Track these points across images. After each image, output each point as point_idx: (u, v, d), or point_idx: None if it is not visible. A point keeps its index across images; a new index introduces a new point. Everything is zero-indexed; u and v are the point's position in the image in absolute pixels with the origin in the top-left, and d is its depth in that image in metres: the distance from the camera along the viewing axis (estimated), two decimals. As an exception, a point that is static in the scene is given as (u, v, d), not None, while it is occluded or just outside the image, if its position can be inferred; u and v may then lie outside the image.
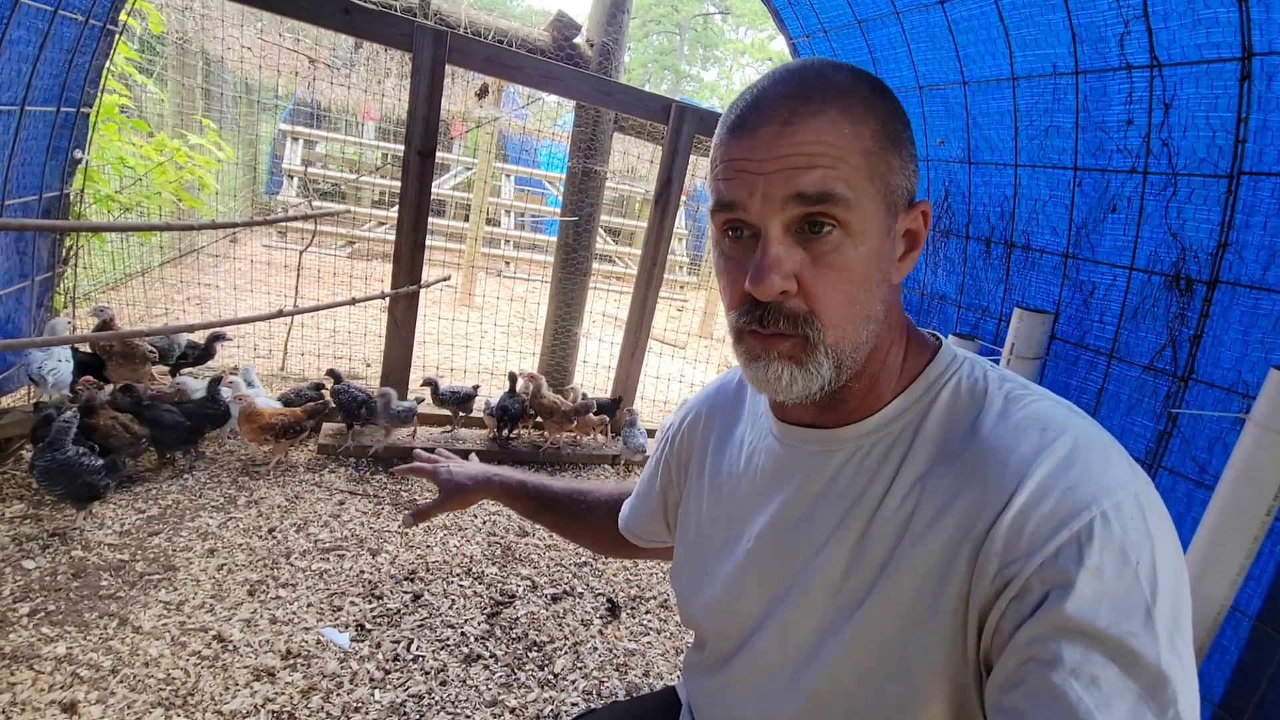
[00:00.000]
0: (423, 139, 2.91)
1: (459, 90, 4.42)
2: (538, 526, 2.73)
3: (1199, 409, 1.88)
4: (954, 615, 0.57)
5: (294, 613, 1.96)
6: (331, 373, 3.10)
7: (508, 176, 9.24)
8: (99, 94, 2.60)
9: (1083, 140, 2.08)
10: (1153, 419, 2.00)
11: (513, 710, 1.77)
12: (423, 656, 1.89)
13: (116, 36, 2.54)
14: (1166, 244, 1.92)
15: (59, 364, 2.51)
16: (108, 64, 2.58)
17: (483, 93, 4.17)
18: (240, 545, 2.22)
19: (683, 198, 3.52)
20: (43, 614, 1.77)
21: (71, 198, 2.64)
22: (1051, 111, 2.15)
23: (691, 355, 6.30)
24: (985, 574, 0.55)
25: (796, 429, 0.72)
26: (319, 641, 1.86)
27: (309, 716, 1.62)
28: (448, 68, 2.90)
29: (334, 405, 2.91)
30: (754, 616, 0.73)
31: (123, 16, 2.52)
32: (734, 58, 26.10)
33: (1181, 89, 1.73)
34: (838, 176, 0.56)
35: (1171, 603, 0.50)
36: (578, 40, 3.61)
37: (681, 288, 8.64)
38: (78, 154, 2.59)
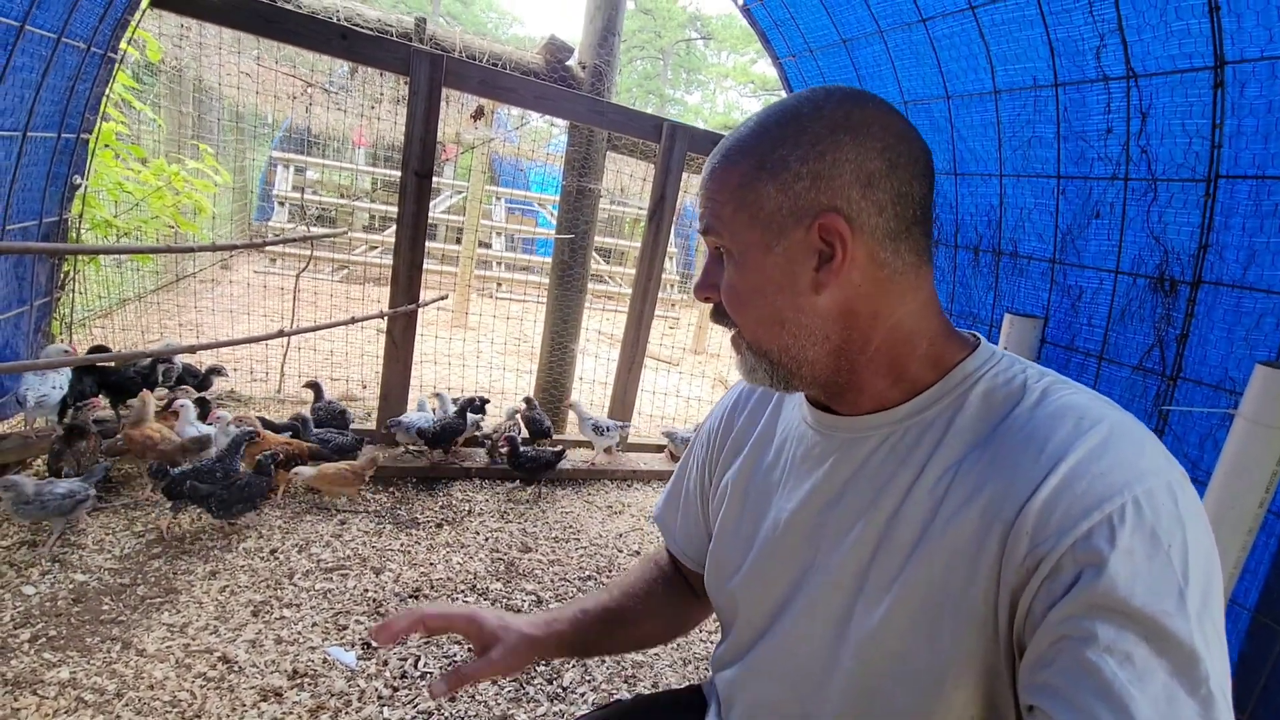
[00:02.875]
0: (420, 160, 2.95)
1: (452, 114, 4.49)
2: (540, 542, 2.73)
3: (1188, 406, 1.93)
4: (984, 597, 0.58)
5: (299, 632, 1.94)
6: (311, 384, 3.07)
7: (499, 199, 9.33)
8: (98, 120, 2.63)
9: (1064, 149, 2.15)
10: (1144, 418, 2.04)
11: (522, 724, 1.76)
12: (430, 673, 1.88)
13: (116, 64, 2.58)
14: (1149, 247, 1.98)
15: (51, 390, 2.48)
16: (107, 91, 2.61)
17: (478, 114, 4.24)
18: (242, 566, 2.20)
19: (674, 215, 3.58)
20: (44, 639, 1.75)
21: (70, 223, 2.65)
22: (1033, 123, 2.22)
23: (687, 370, 6.34)
24: (1015, 555, 0.56)
25: (829, 415, 0.74)
26: (325, 660, 1.85)
27: (318, 735, 1.61)
28: (443, 90, 2.95)
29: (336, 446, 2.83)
30: (780, 599, 0.75)
31: (123, 45, 2.56)
32: (717, 81, 26.57)
33: (1157, 98, 1.80)
34: (712, 213, 0.69)
35: (1202, 587, 0.51)
36: (570, 63, 3.69)
37: (673, 305, 8.71)
38: (77, 180, 2.61)
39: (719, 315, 0.74)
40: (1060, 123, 2.12)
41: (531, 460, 3.05)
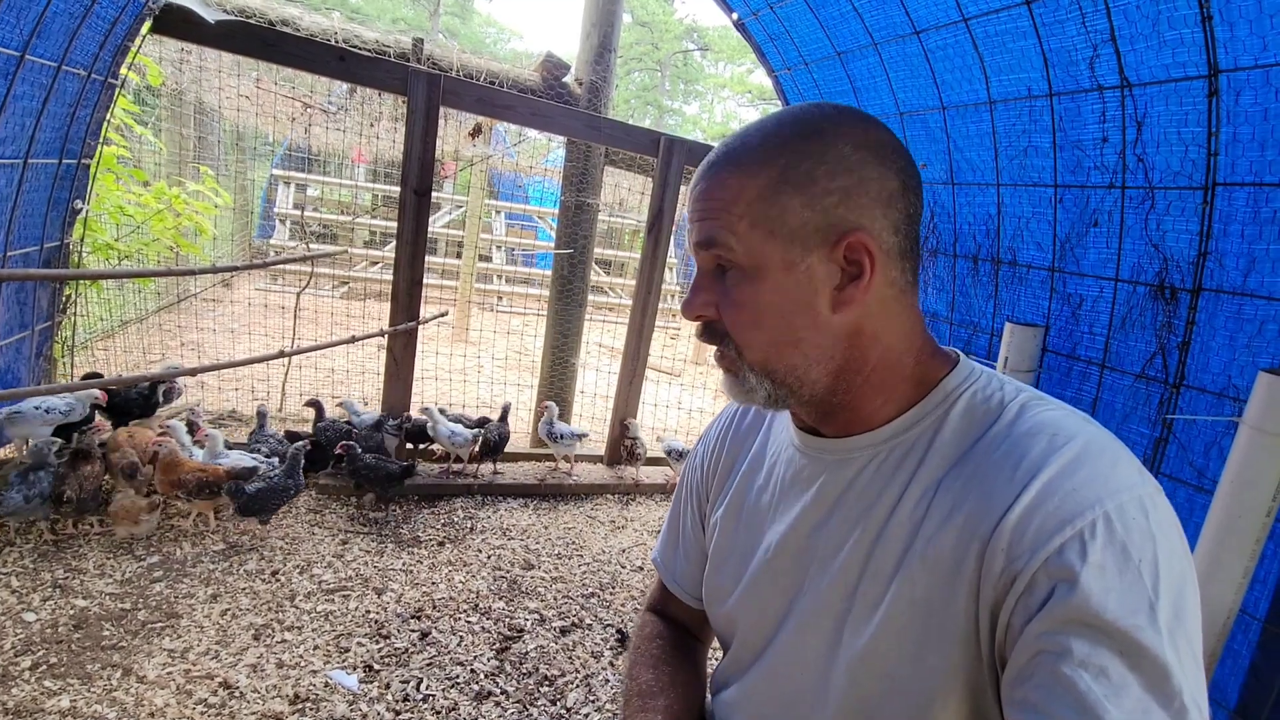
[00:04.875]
0: (419, 178, 2.96)
1: (451, 131, 4.52)
2: (543, 559, 2.71)
3: (1192, 414, 1.92)
4: (966, 614, 0.59)
5: (301, 656, 1.93)
6: (312, 403, 3.05)
7: (498, 213, 9.37)
8: (99, 145, 2.65)
9: (1061, 159, 2.15)
10: (1148, 426, 2.03)
11: (527, 747, 1.74)
12: (433, 696, 1.86)
13: (117, 90, 2.60)
14: (1149, 255, 1.98)
15: (33, 409, 2.37)
16: (108, 116, 2.63)
17: (476, 132, 4.26)
18: (243, 589, 2.19)
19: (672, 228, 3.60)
20: (45, 667, 1.74)
21: (71, 247, 2.66)
22: (1029, 132, 2.23)
23: (688, 381, 6.33)
24: (992, 571, 0.57)
25: (815, 438, 0.74)
26: (327, 684, 1.84)
27: (320, 761, 1.59)
28: (441, 109, 2.97)
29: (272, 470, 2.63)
30: (773, 622, 0.75)
31: (123, 70, 2.58)
32: (714, 91, 26.74)
33: (1152, 107, 1.80)
34: (720, 225, 0.65)
35: (1173, 601, 0.52)
36: (567, 79, 3.71)
37: (673, 315, 8.71)
38: (78, 204, 2.63)
39: (710, 334, 0.70)
40: (1056, 132, 2.12)
41: (370, 470, 2.78)
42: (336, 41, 3.21)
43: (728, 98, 26.56)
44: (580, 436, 3.49)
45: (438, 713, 1.80)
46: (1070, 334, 2.28)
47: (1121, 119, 1.90)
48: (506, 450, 3.38)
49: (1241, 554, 1.61)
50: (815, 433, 0.75)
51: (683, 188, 3.52)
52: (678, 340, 7.92)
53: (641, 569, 2.78)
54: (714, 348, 0.72)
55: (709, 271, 0.69)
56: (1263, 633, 1.71)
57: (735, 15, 3.12)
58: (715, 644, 0.94)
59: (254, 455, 2.69)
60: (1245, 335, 1.75)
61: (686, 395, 5.68)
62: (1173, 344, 1.95)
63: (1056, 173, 2.18)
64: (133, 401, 2.80)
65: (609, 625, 2.33)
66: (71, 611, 1.97)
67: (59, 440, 2.28)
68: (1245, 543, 1.60)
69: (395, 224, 3.07)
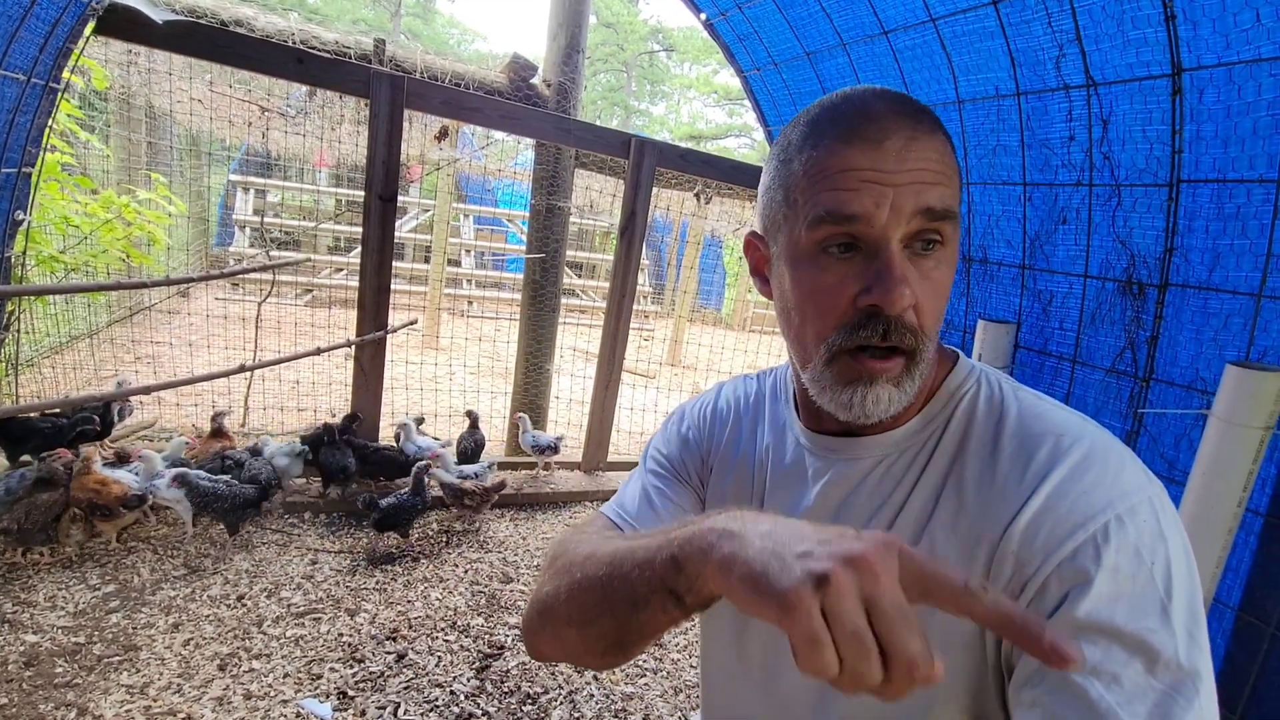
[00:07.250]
0: (383, 183, 2.88)
1: (416, 133, 4.42)
2: (522, 571, 2.65)
3: (1162, 408, 1.95)
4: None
5: (270, 685, 1.84)
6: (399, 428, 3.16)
7: (466, 216, 9.24)
8: (41, 153, 2.51)
9: (1029, 157, 2.18)
10: (1119, 420, 2.06)
11: (510, 769, 1.69)
12: (411, 720, 1.80)
13: (59, 94, 2.47)
14: (1116, 251, 2.01)
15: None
16: (50, 122, 2.50)
17: (442, 135, 4.18)
18: (207, 616, 2.09)
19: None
20: (-9, 710, 1.64)
21: (13, 261, 2.52)
22: (998, 131, 2.25)
23: (664, 384, 6.30)
24: (1001, 576, 0.56)
25: (826, 438, 0.71)
26: (299, 714, 1.76)
27: (293, 797, 1.52)
28: (405, 111, 2.89)
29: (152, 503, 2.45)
30: (774, 629, 0.72)
31: (66, 74, 2.45)
32: (680, 92, 26.85)
33: (1118, 105, 1.83)
34: (953, 195, 0.58)
35: (1187, 599, 0.52)
36: (534, 81, 3.66)
37: (647, 318, 8.69)
38: (19, 215, 2.48)
39: (899, 331, 0.58)
40: (1024, 131, 2.14)
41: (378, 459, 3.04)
42: (294, 43, 3.10)
43: (694, 98, 26.69)
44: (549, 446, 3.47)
45: (417, 738, 1.74)
46: (1041, 330, 2.31)
47: (1088, 117, 1.92)
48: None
49: (1214, 544, 1.64)
50: (821, 431, 0.72)
51: (655, 189, 3.49)
52: (651, 343, 7.90)
53: (623, 577, 2.74)
54: (875, 348, 0.60)
55: (899, 253, 0.57)
56: (1236, 621, 1.74)
57: (704, 16, 3.10)
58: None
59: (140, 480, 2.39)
60: (1211, 329, 1.79)
61: (663, 398, 5.65)
62: (1141, 339, 1.98)
63: (1025, 171, 2.21)
64: (87, 423, 2.66)
65: (591, 637, 2.29)
66: (21, 648, 1.85)
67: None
68: (1218, 533, 1.63)
69: (360, 229, 2.99)
